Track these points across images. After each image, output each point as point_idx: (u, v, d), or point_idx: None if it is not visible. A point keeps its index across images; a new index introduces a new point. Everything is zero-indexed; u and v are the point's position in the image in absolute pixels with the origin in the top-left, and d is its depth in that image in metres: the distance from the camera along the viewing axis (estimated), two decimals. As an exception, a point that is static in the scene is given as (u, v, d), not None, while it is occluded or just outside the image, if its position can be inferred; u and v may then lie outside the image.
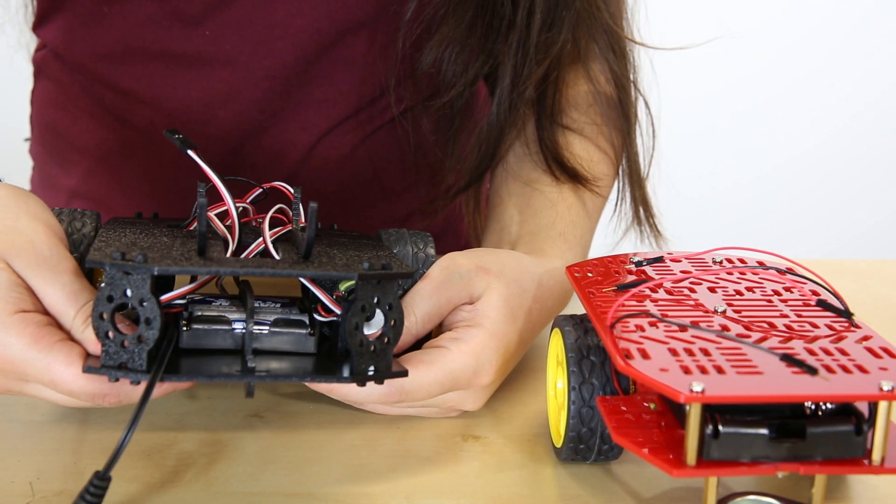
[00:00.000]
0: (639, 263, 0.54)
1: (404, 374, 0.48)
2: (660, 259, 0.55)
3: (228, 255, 0.49)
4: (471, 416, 0.55)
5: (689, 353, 0.43)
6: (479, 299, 0.53)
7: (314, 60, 0.73)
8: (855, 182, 2.10)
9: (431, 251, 0.56)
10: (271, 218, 0.52)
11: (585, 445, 0.48)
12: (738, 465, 0.40)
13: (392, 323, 0.47)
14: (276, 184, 0.57)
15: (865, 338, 0.45)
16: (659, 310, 0.48)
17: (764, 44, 1.99)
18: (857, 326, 0.46)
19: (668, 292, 0.50)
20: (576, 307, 0.52)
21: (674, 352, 0.43)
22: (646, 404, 0.45)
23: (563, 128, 0.69)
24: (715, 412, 0.40)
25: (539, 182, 0.67)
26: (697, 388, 0.39)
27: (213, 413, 0.55)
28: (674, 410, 0.44)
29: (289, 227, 0.53)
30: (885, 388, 0.40)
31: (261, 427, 0.53)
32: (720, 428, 0.40)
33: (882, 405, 0.41)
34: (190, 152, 0.52)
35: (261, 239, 0.50)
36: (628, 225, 0.72)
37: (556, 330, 0.51)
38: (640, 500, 0.48)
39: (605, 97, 0.70)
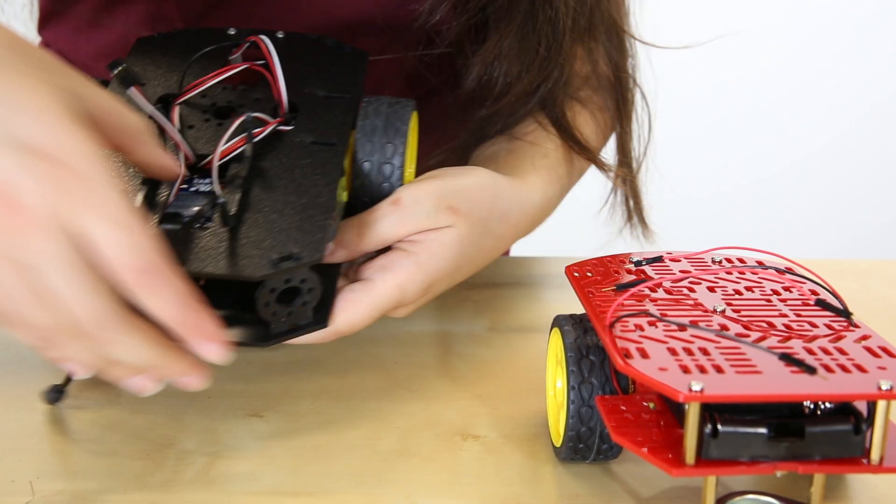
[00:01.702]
0: (638, 263, 0.54)
1: (323, 326, 0.50)
2: (659, 259, 0.55)
3: (177, 184, 0.50)
4: (470, 416, 0.55)
5: (689, 352, 0.43)
6: (435, 230, 0.54)
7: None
8: (855, 182, 2.10)
9: (406, 118, 0.56)
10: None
11: (585, 445, 0.48)
12: (736, 465, 0.40)
13: (308, 290, 0.48)
14: (257, 37, 0.56)
15: (864, 337, 0.45)
16: (658, 309, 0.48)
17: (766, 43, 1.99)
18: (856, 326, 0.46)
19: (668, 292, 0.50)
20: (575, 307, 0.52)
21: (673, 351, 0.43)
22: (645, 404, 0.45)
23: (571, 98, 0.68)
24: (714, 411, 0.40)
25: (532, 134, 0.66)
26: (696, 387, 0.39)
27: (213, 413, 0.55)
28: (673, 410, 0.44)
29: (242, 146, 0.52)
30: (884, 387, 0.40)
31: (261, 427, 0.53)
32: (719, 427, 0.40)
33: (881, 404, 0.41)
34: (133, 90, 0.50)
35: (210, 158, 0.51)
36: (622, 222, 0.72)
37: (556, 329, 0.51)
38: (639, 500, 0.48)
39: (604, 79, 0.70)
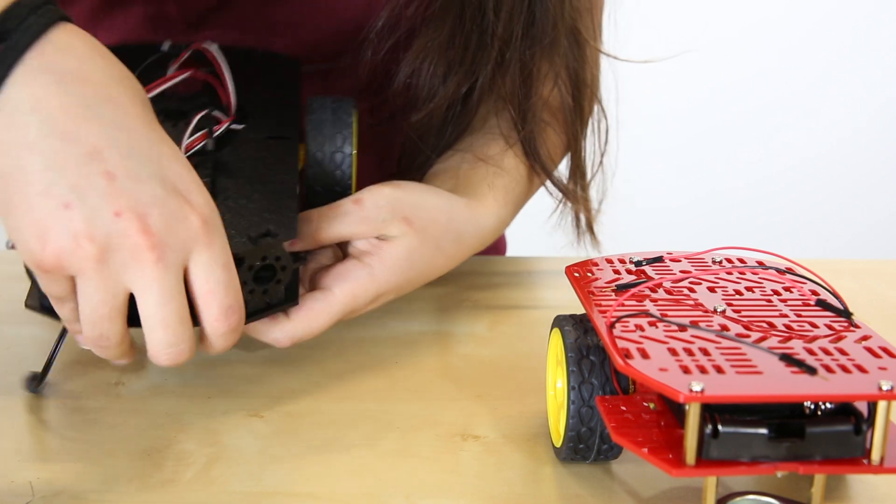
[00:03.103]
0: (638, 263, 0.54)
1: (294, 304, 0.53)
2: (659, 259, 0.55)
3: None
4: (470, 416, 0.55)
5: (689, 352, 0.43)
6: (387, 241, 0.57)
7: (314, 61, 0.73)
8: (855, 182, 2.10)
9: (349, 111, 0.59)
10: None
11: (585, 445, 0.48)
12: (737, 465, 0.40)
13: (282, 268, 0.52)
14: (201, 46, 0.60)
15: (865, 337, 0.45)
16: (658, 309, 0.48)
17: (766, 42, 1.99)
18: (857, 326, 0.46)
19: (668, 292, 0.50)
20: (576, 307, 0.52)
21: (673, 351, 0.43)
22: (645, 404, 0.45)
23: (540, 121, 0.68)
24: (714, 412, 0.40)
25: (494, 152, 0.67)
26: (697, 387, 0.39)
27: (213, 413, 0.55)
28: (673, 410, 0.44)
29: (202, 142, 0.55)
30: (885, 387, 0.40)
31: (261, 427, 0.53)
32: (719, 427, 0.40)
33: (881, 405, 0.41)
34: None
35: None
36: (573, 235, 0.72)
37: (556, 330, 0.51)
38: (639, 500, 0.48)
39: (565, 97, 0.70)
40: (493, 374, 0.60)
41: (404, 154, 0.71)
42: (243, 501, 0.47)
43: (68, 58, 0.44)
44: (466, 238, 0.62)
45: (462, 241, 0.61)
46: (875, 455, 0.41)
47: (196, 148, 0.55)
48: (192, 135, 0.54)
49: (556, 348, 0.52)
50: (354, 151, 0.60)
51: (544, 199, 0.71)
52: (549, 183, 0.70)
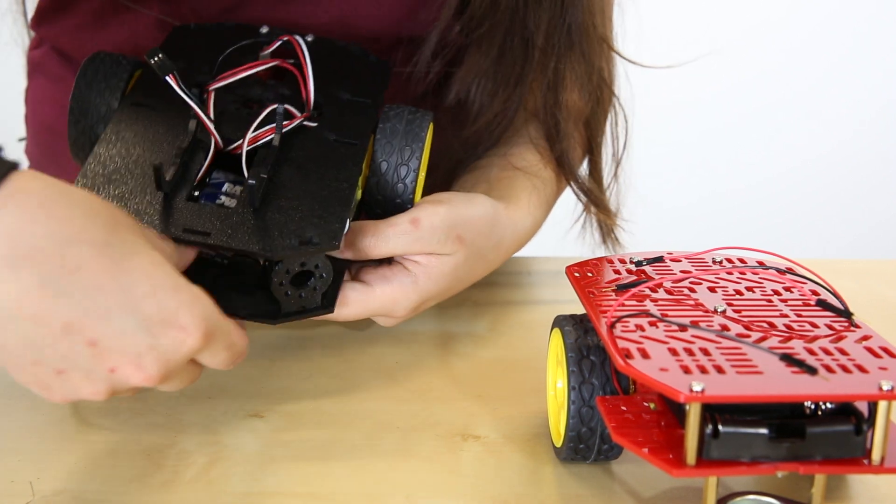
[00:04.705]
0: (639, 263, 0.54)
1: (329, 311, 0.53)
2: (660, 259, 0.55)
3: (206, 164, 0.53)
4: (471, 416, 0.55)
5: (689, 352, 0.43)
6: (437, 257, 0.57)
7: None
8: (855, 183, 2.10)
9: (425, 126, 0.58)
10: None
11: (585, 445, 0.48)
12: (737, 465, 0.40)
13: (320, 276, 0.51)
14: (290, 37, 0.60)
15: (865, 338, 0.45)
16: (659, 309, 0.48)
17: (766, 45, 1.99)
18: (857, 326, 0.46)
19: (668, 292, 0.50)
20: (576, 307, 0.52)
21: (674, 351, 0.43)
22: (646, 404, 0.45)
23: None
24: (715, 412, 0.40)
25: (524, 155, 0.68)
26: (697, 387, 0.39)
27: (213, 413, 0.55)
28: (674, 410, 0.44)
29: (270, 136, 0.54)
30: (885, 387, 0.40)
31: (261, 427, 0.53)
32: (720, 427, 0.40)
33: (882, 405, 0.41)
34: (169, 78, 0.53)
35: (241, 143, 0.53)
36: (598, 240, 0.73)
37: (556, 330, 0.51)
38: (640, 500, 0.48)
39: (585, 103, 0.71)
40: (493, 374, 0.60)
41: (440, 163, 0.71)
42: (243, 501, 0.47)
43: (10, 233, 0.41)
44: (505, 243, 0.62)
45: (501, 246, 0.62)
46: (875, 455, 0.41)
47: (261, 141, 0.54)
48: (258, 128, 0.54)
49: (556, 348, 0.52)
50: (423, 165, 0.59)
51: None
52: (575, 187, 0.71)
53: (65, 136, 0.81)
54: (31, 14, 0.79)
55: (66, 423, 0.53)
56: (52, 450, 0.51)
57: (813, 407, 0.42)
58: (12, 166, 0.42)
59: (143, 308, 0.44)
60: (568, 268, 0.54)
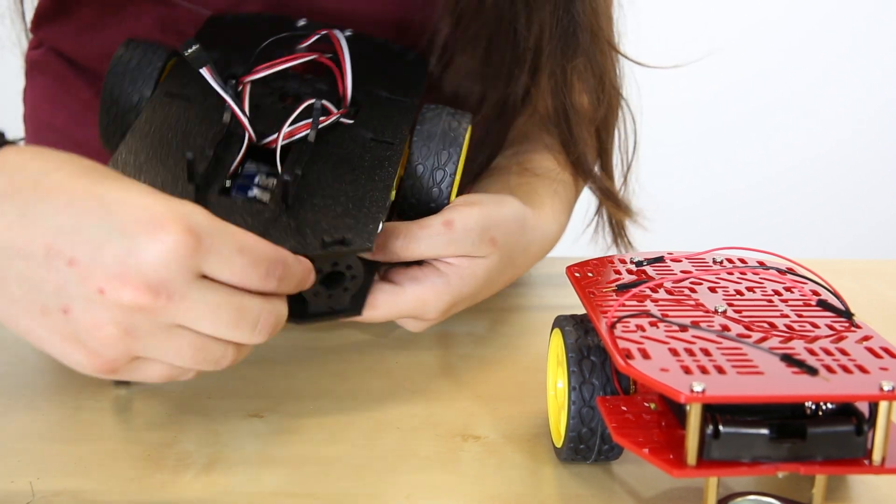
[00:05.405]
0: (639, 263, 0.54)
1: (357, 314, 0.52)
2: (660, 259, 0.55)
3: (239, 158, 0.52)
4: (471, 416, 0.55)
5: (690, 353, 0.43)
6: (470, 259, 0.55)
7: None
8: (855, 182, 2.10)
9: (463, 129, 0.57)
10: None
11: (586, 445, 0.48)
12: (738, 466, 0.40)
13: (351, 277, 0.50)
14: (329, 31, 0.58)
15: (866, 338, 0.45)
16: (659, 310, 0.48)
17: (765, 44, 1.99)
18: (858, 326, 0.46)
19: (669, 292, 0.50)
20: (576, 307, 0.52)
21: (674, 352, 0.43)
22: (646, 404, 0.45)
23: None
24: (715, 412, 0.40)
25: (541, 160, 0.68)
26: (698, 388, 0.39)
27: (213, 413, 0.55)
28: (674, 410, 0.44)
29: (305, 131, 0.53)
30: (886, 388, 0.39)
31: (261, 427, 0.53)
32: (720, 428, 0.40)
33: (882, 405, 0.41)
34: (204, 71, 0.52)
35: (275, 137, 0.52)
36: (610, 241, 0.73)
37: (557, 330, 0.51)
38: (640, 500, 0.48)
39: (593, 106, 0.71)
40: (493, 374, 0.60)
41: None
42: (243, 501, 0.47)
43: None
44: (533, 247, 0.61)
45: (529, 251, 0.61)
46: (876, 456, 0.41)
47: (296, 136, 0.53)
48: (293, 123, 0.53)
49: (556, 348, 0.52)
50: (460, 169, 0.58)
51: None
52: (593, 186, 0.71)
53: (66, 134, 0.81)
54: (29, 16, 0.79)
55: (65, 423, 0.53)
56: (52, 450, 0.51)
57: (814, 407, 0.42)
58: (8, 142, 0.44)
59: (115, 213, 0.41)
60: (568, 268, 0.54)
